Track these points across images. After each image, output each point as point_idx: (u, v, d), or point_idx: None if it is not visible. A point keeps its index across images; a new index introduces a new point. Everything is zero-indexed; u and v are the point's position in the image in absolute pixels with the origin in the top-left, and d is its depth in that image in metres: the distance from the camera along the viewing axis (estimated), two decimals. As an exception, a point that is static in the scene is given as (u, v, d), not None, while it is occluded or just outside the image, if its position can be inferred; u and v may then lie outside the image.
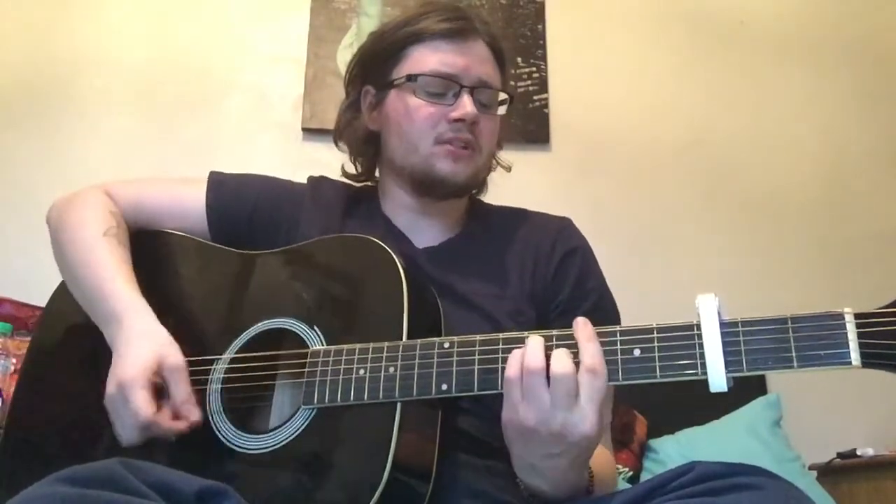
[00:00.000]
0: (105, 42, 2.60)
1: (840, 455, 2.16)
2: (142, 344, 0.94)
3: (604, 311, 1.10)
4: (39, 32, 2.58)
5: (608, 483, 0.96)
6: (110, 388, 0.92)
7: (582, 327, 0.81)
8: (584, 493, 0.88)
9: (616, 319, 1.12)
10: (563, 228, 1.16)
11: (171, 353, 0.94)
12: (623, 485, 1.88)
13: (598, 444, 0.83)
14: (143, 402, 0.89)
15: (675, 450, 2.07)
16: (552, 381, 0.78)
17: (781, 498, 0.72)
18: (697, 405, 2.05)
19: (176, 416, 0.92)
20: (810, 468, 2.16)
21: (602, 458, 1.01)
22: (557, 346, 0.81)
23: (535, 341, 0.81)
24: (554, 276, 1.10)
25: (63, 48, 2.57)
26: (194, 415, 0.92)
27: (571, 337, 0.81)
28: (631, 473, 2.01)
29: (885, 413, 2.33)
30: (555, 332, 0.83)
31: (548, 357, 0.79)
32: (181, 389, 0.92)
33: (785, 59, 2.80)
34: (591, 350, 0.79)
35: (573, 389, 0.77)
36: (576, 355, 0.79)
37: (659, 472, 0.82)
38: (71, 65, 2.56)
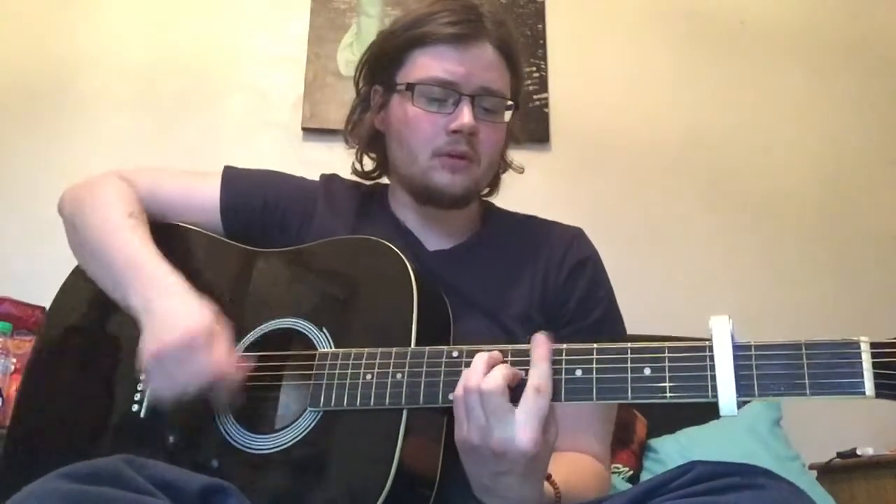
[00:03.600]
0: (105, 42, 2.59)
1: (840, 455, 2.16)
2: (198, 306, 0.93)
3: (610, 323, 1.10)
4: (39, 32, 2.58)
5: (585, 495, 0.95)
6: (171, 340, 0.89)
7: (539, 345, 0.82)
8: None
9: (621, 331, 1.12)
10: (574, 238, 1.16)
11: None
12: (623, 485, 1.88)
13: (547, 460, 0.83)
14: (224, 350, 0.89)
15: (675, 450, 2.07)
16: (482, 397, 0.79)
17: (781, 497, 0.72)
18: (697, 405, 2.04)
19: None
20: (810, 468, 2.15)
21: (578, 467, 1.01)
22: (504, 362, 0.81)
23: (478, 360, 0.81)
24: (563, 286, 1.10)
25: (63, 48, 2.57)
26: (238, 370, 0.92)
27: (582, 352, 0.81)
28: (631, 473, 2.01)
29: (885, 413, 2.32)
30: (565, 346, 0.82)
31: None
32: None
33: (785, 59, 2.80)
34: (540, 369, 0.80)
35: (503, 405, 0.78)
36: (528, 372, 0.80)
37: (659, 472, 0.82)
38: (71, 65, 2.55)
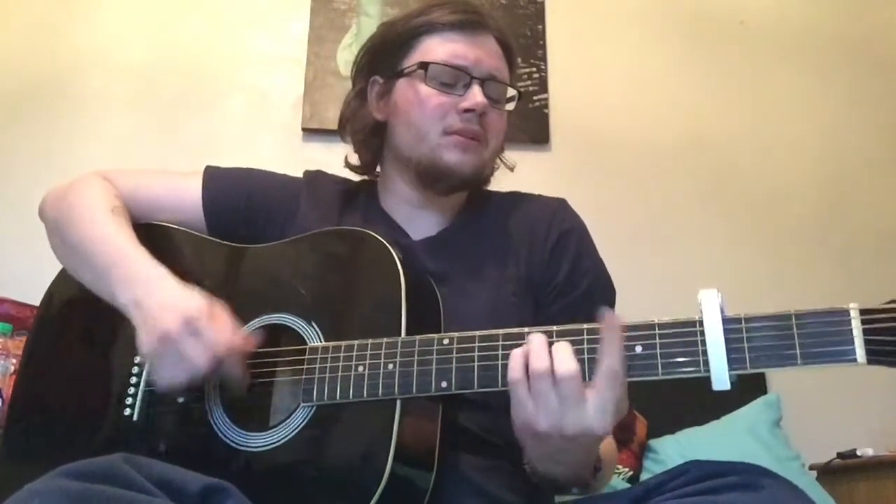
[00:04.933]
0: (105, 42, 2.60)
1: (840, 455, 2.16)
2: (189, 292, 0.93)
3: (600, 291, 1.10)
4: (39, 32, 2.58)
5: (610, 459, 0.99)
6: (170, 325, 0.88)
7: (611, 324, 0.78)
8: (592, 469, 0.90)
9: (611, 299, 1.12)
10: (558, 210, 1.16)
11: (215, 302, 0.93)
12: (623, 485, 1.88)
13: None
14: (225, 327, 0.88)
15: (675, 450, 2.07)
16: (557, 382, 0.77)
17: (780, 496, 0.72)
18: (697, 405, 2.05)
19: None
20: (810, 468, 2.15)
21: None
22: (559, 341, 0.79)
23: (538, 340, 0.79)
24: (550, 258, 1.09)
25: (63, 48, 2.57)
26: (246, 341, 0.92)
27: (572, 333, 0.81)
28: (631, 473, 2.01)
29: (885, 413, 2.33)
30: (555, 328, 0.82)
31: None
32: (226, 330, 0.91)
33: (785, 59, 2.80)
34: (616, 350, 0.77)
35: (579, 390, 0.76)
36: (579, 350, 0.79)
37: (659, 473, 0.82)
38: (71, 65, 2.55)
